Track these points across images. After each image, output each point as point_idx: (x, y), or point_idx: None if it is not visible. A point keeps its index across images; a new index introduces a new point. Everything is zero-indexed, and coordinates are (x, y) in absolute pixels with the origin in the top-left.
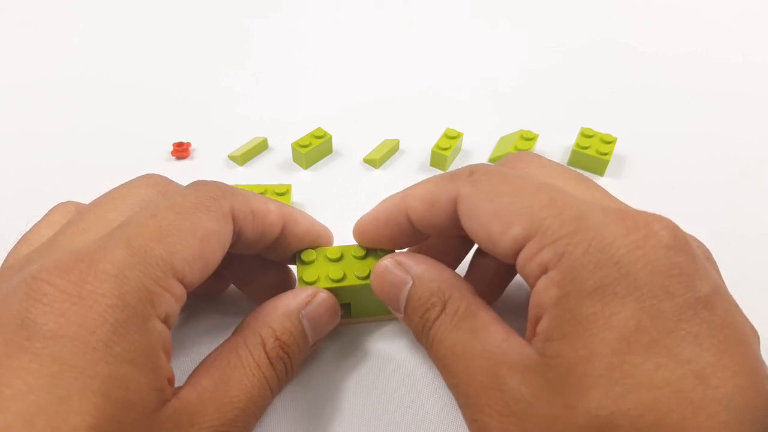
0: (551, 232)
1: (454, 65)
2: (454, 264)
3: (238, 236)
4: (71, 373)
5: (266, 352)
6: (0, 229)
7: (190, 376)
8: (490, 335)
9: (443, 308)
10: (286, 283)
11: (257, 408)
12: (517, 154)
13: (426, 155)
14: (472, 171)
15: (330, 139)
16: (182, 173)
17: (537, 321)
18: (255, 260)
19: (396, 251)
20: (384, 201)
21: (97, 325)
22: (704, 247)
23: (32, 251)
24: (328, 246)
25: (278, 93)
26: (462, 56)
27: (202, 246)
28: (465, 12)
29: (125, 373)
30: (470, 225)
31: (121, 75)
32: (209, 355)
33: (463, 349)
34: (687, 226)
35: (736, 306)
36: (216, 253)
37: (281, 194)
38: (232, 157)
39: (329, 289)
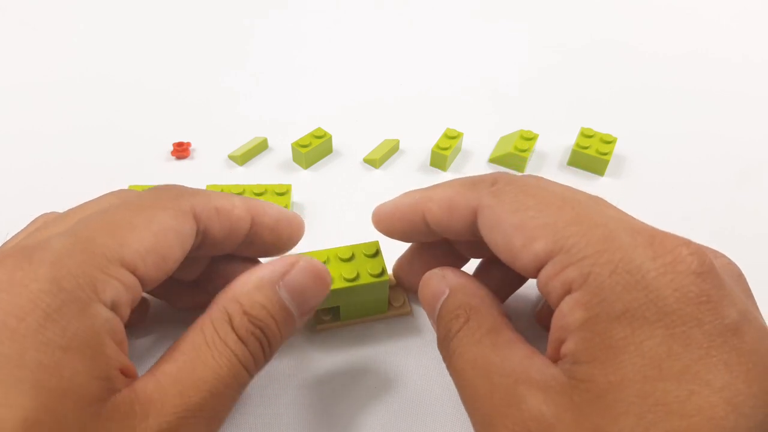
0: (576, 251)
1: (454, 65)
2: (458, 263)
3: (204, 235)
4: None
5: (233, 329)
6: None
7: (153, 366)
8: (512, 352)
9: (467, 320)
10: None
11: (229, 389)
12: (528, 175)
13: (426, 155)
14: (495, 180)
15: (330, 139)
16: (182, 173)
17: (560, 342)
18: (232, 262)
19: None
20: (404, 196)
21: (27, 311)
22: (734, 266)
23: None
24: (299, 233)
25: (278, 93)
26: (462, 56)
27: (157, 239)
28: (465, 12)
29: (58, 360)
30: (490, 236)
31: (121, 75)
32: (175, 342)
33: (483, 364)
34: (687, 226)
35: (765, 329)
36: (173, 248)
37: (281, 194)
38: (232, 157)
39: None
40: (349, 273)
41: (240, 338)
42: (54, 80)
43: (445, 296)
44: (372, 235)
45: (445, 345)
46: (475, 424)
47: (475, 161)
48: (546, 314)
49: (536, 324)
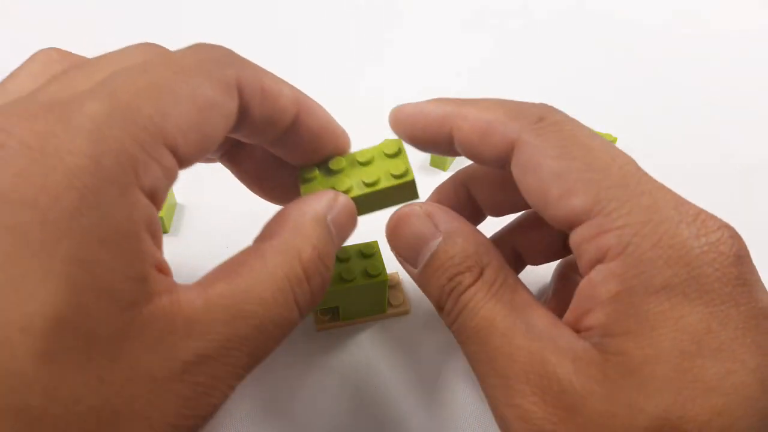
0: (617, 216)
1: (454, 65)
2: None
3: (243, 115)
4: (28, 248)
5: (302, 263)
6: None
7: (202, 278)
8: (536, 317)
9: (480, 274)
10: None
11: (278, 328)
12: (576, 120)
13: (426, 155)
14: (541, 116)
15: None
16: (181, 173)
17: (584, 312)
18: (267, 157)
19: (422, 201)
20: (433, 102)
21: (62, 189)
22: None
23: (5, 103)
24: (344, 149)
25: None
26: (462, 56)
27: (201, 114)
28: (465, 12)
29: (94, 254)
30: (524, 178)
31: None
32: (229, 260)
33: (503, 325)
34: None
35: None
36: (217, 126)
37: (392, 155)
38: None
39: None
40: (348, 273)
41: (306, 274)
42: None
43: (436, 241)
44: (371, 234)
45: (451, 299)
46: (491, 387)
47: None
48: (552, 307)
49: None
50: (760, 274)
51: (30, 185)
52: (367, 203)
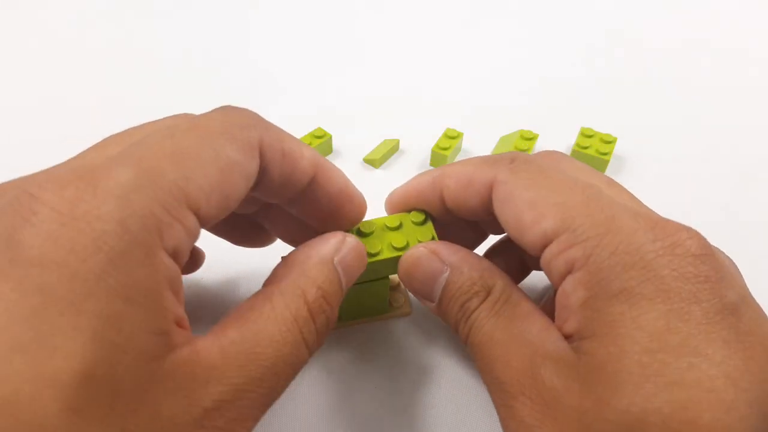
0: (581, 231)
1: (453, 65)
2: (477, 241)
3: (262, 174)
4: (57, 307)
5: (307, 304)
6: None
7: (215, 327)
8: (530, 324)
9: (487, 296)
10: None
11: (289, 367)
12: (547, 152)
13: (426, 155)
14: (513, 158)
15: (330, 139)
16: None
17: (563, 321)
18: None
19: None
20: (419, 176)
21: (90, 252)
22: (731, 259)
23: (42, 171)
24: (359, 216)
25: (278, 93)
26: (462, 56)
27: (223, 176)
28: (465, 11)
29: (119, 311)
30: (503, 211)
31: (120, 74)
32: (239, 306)
33: (502, 336)
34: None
35: (763, 315)
36: (238, 187)
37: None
38: None
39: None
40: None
41: (311, 314)
42: (58, 74)
43: (445, 275)
44: None
45: (461, 324)
46: (493, 392)
47: None
48: (550, 309)
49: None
50: (760, 272)
51: (59, 248)
52: (392, 266)
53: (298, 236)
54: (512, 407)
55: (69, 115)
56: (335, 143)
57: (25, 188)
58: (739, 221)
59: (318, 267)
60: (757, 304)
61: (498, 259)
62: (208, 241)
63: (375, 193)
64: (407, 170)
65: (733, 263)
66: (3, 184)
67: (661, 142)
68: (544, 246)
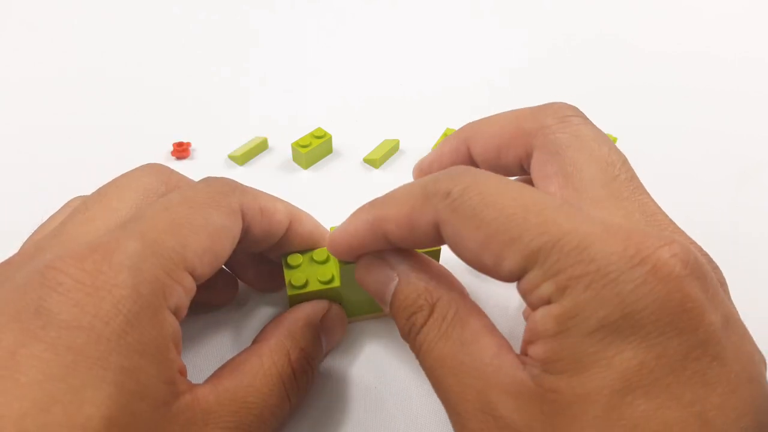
0: (549, 265)
1: (453, 65)
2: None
3: (245, 233)
4: (85, 363)
5: (291, 363)
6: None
7: (212, 377)
8: (481, 349)
9: (431, 312)
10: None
11: (273, 417)
12: (482, 177)
13: (420, 153)
14: (447, 192)
15: (330, 139)
16: (182, 173)
17: (531, 341)
18: (248, 255)
19: None
20: (355, 219)
21: (111, 315)
22: (716, 268)
23: (41, 238)
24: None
25: (278, 93)
26: (461, 55)
27: (213, 240)
28: (464, 11)
29: (137, 364)
30: (458, 252)
31: (121, 72)
32: (233, 359)
33: (452, 364)
34: (687, 227)
35: (746, 334)
36: (225, 247)
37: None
38: (232, 157)
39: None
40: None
41: (294, 372)
42: (51, 78)
43: (394, 283)
44: None
45: (410, 339)
46: (453, 422)
47: None
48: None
49: (523, 319)
50: (760, 272)
51: (86, 314)
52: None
53: (256, 274)
54: None
55: (59, 139)
56: (335, 143)
57: (46, 263)
58: (738, 221)
59: (303, 330)
60: (741, 323)
61: None
62: None
63: (375, 194)
64: (407, 170)
65: (719, 272)
66: (12, 257)
67: (661, 142)
68: (514, 280)
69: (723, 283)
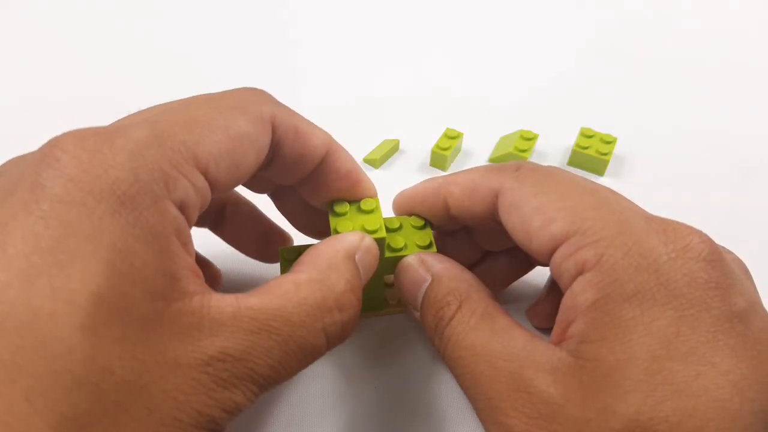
0: (592, 233)
1: (453, 65)
2: (475, 255)
3: (276, 151)
4: (76, 238)
5: (335, 296)
6: None
7: (240, 294)
8: (513, 338)
9: (459, 307)
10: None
11: (301, 351)
12: (550, 166)
13: (426, 155)
14: (519, 166)
15: None
16: None
17: (568, 323)
18: (302, 200)
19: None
20: (425, 182)
21: (105, 195)
22: (741, 261)
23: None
24: (368, 195)
25: (278, 93)
26: (461, 56)
27: (233, 144)
28: (464, 12)
29: (131, 247)
30: (509, 218)
31: (122, 72)
32: (268, 282)
33: (483, 351)
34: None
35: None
36: (248, 156)
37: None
38: None
39: None
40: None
41: (339, 306)
42: (66, 68)
43: (427, 283)
44: None
45: (438, 333)
46: (478, 409)
47: (475, 161)
48: (538, 311)
49: (527, 321)
50: (760, 272)
51: (80, 190)
52: (388, 266)
53: (306, 221)
54: (504, 424)
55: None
56: None
57: (50, 142)
58: (738, 221)
59: (345, 261)
60: (764, 308)
61: (499, 255)
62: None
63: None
64: (407, 170)
65: (744, 267)
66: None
67: (661, 142)
68: (553, 250)
69: (747, 271)
